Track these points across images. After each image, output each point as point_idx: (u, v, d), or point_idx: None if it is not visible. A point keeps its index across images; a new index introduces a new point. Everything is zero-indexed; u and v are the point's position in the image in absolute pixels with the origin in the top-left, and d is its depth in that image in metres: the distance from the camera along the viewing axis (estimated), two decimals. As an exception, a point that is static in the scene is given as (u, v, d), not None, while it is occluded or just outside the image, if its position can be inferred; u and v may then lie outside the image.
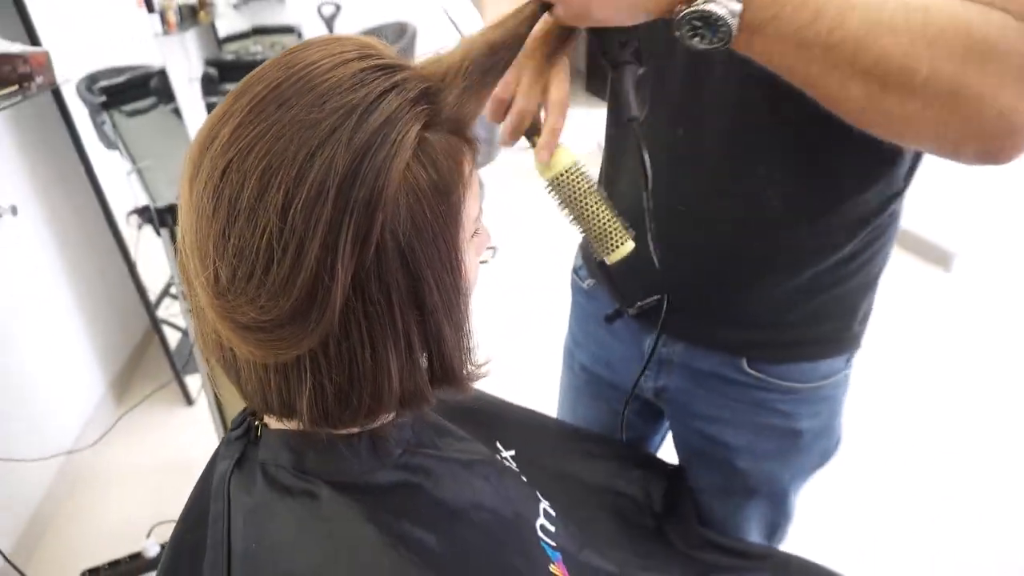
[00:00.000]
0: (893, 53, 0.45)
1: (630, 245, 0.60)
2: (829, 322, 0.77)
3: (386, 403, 0.46)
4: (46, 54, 1.68)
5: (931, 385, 2.34)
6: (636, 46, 0.56)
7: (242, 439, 0.54)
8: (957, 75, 0.44)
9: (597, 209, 0.59)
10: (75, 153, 1.92)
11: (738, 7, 0.46)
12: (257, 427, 0.53)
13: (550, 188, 0.61)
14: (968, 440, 2.08)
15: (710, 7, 0.45)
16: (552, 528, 0.64)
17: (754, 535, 0.92)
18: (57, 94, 1.82)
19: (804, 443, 0.83)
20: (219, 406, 1.60)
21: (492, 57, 0.47)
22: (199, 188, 0.41)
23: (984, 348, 2.54)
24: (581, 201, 0.60)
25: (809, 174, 0.68)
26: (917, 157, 0.70)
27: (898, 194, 0.72)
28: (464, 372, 0.50)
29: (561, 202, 0.61)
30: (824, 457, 0.87)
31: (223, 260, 0.40)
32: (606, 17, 0.51)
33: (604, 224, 0.59)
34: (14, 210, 1.75)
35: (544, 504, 0.66)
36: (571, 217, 0.61)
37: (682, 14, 0.47)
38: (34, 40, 1.76)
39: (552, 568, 0.59)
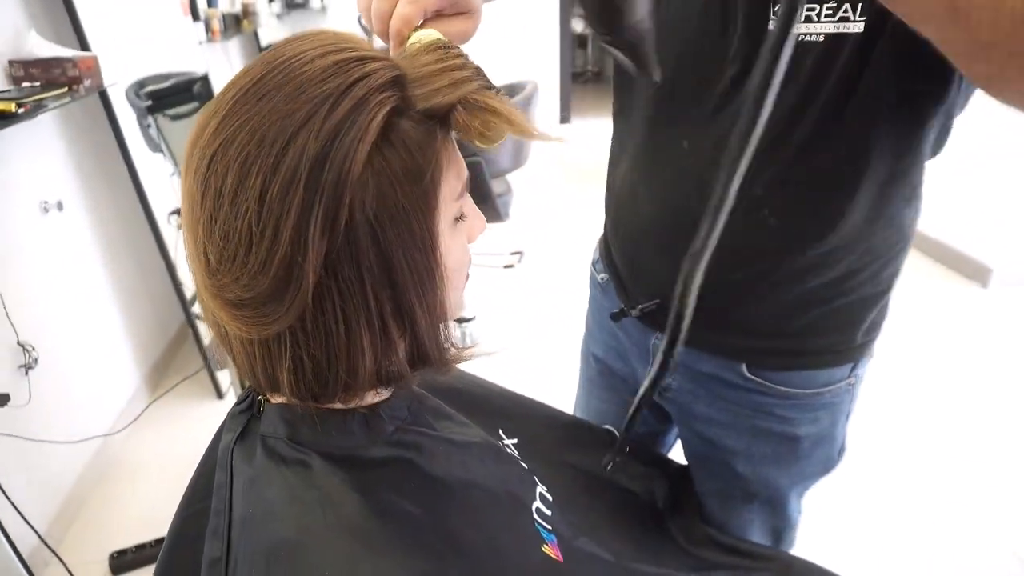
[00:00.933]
0: None
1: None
2: (831, 334, 0.77)
3: (362, 379, 0.48)
4: (94, 58, 1.76)
5: (965, 402, 2.28)
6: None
7: (245, 413, 0.57)
8: None
9: None
10: (119, 153, 2.01)
11: None
12: (260, 402, 0.56)
13: None
14: (1003, 459, 2.03)
15: None
16: (548, 512, 0.65)
17: (757, 540, 0.91)
18: (104, 96, 1.91)
19: (803, 449, 0.83)
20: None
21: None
22: (190, 176, 0.44)
23: (1021, 364, 2.48)
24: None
25: (806, 199, 0.69)
26: (919, 178, 0.70)
27: (904, 211, 0.71)
28: (440, 352, 0.52)
29: None
30: (827, 465, 0.87)
31: (211, 243, 0.43)
32: None
33: None
34: (60, 206, 1.84)
35: (541, 488, 0.67)
36: None
37: None
38: (84, 45, 1.85)
39: (545, 548, 0.60)
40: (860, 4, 0.59)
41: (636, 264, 0.85)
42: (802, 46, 0.61)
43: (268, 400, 0.55)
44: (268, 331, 0.45)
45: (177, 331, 2.59)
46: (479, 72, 0.48)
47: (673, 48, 0.70)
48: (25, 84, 1.65)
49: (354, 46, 0.45)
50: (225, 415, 0.60)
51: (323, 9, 4.84)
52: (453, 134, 0.48)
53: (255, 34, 3.82)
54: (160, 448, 2.12)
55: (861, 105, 0.63)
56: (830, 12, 0.60)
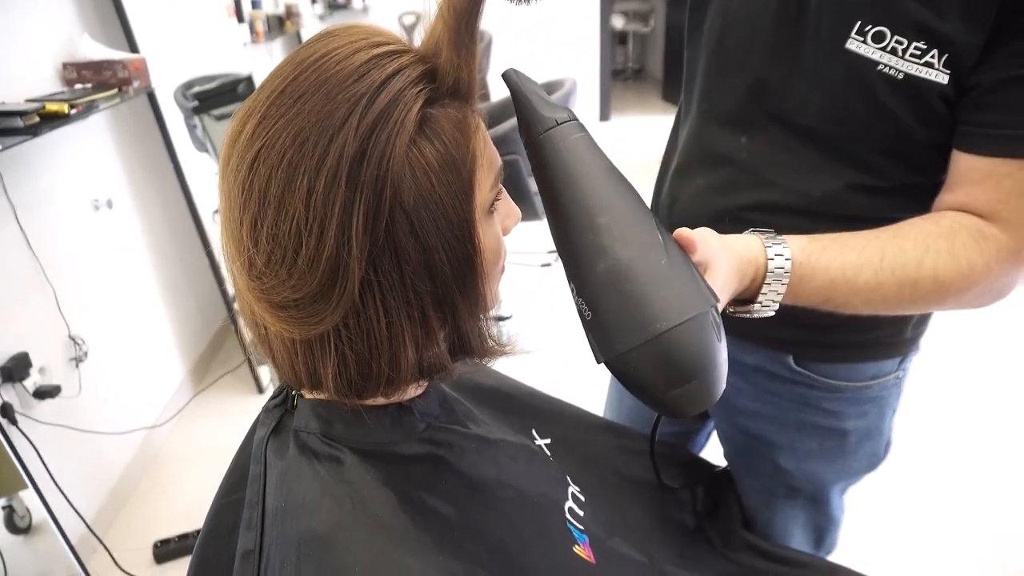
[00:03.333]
0: (890, 299, 0.62)
1: None
2: (882, 327, 0.75)
3: (404, 372, 0.48)
4: (143, 60, 1.82)
5: (1012, 399, 2.19)
6: None
7: (280, 407, 0.57)
8: (953, 303, 0.63)
9: None
10: (166, 153, 2.07)
11: (776, 306, 0.62)
12: (293, 397, 0.56)
13: None
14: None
15: (758, 307, 0.62)
16: (580, 512, 0.64)
17: (799, 540, 0.89)
18: (152, 98, 1.96)
19: (850, 444, 0.81)
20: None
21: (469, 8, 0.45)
22: (229, 179, 0.44)
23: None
24: None
25: (861, 186, 0.68)
26: None
27: None
28: (481, 343, 0.52)
29: None
30: (873, 461, 0.85)
31: (257, 247, 0.43)
32: None
33: None
34: (110, 203, 1.90)
35: (574, 488, 0.66)
36: None
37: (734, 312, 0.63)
38: (133, 47, 1.91)
39: (576, 549, 0.59)
40: (947, 56, 0.57)
41: None
42: (881, 76, 0.60)
43: (302, 396, 0.55)
44: (315, 330, 0.45)
45: (220, 326, 2.65)
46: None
47: (741, 43, 0.71)
48: (77, 86, 1.70)
49: (383, 39, 0.45)
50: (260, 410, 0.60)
51: (365, 9, 4.90)
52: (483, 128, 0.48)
53: (298, 35, 3.88)
54: (202, 441, 2.17)
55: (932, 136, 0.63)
56: (917, 54, 0.58)
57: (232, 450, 0.62)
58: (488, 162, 0.48)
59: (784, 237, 0.61)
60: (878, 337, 0.76)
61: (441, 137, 0.44)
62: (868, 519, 1.74)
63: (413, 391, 0.55)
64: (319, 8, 4.49)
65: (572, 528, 0.62)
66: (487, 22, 4.17)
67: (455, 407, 0.62)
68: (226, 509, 0.58)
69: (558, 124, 0.51)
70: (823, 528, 0.90)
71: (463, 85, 0.45)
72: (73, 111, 1.48)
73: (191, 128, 2.36)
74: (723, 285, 0.55)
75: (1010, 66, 0.56)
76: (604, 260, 0.48)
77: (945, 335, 2.19)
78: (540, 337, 2.56)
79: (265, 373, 2.39)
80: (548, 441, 0.74)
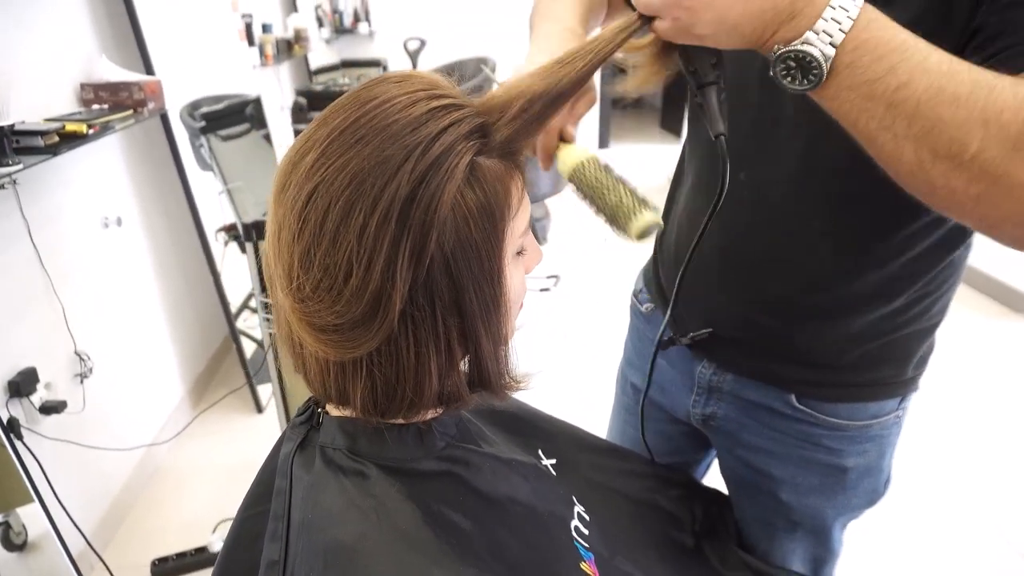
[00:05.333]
0: (948, 123, 0.46)
1: (649, 216, 0.58)
2: (883, 367, 0.78)
3: (426, 398, 0.51)
4: (158, 83, 1.86)
5: (1009, 435, 2.22)
6: (723, 66, 0.57)
7: (305, 424, 0.60)
8: (1004, 160, 0.45)
9: (614, 188, 0.59)
10: (175, 172, 2.10)
11: (831, 51, 0.47)
12: (319, 414, 0.59)
13: (572, 186, 0.62)
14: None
15: (806, 48, 0.47)
16: (586, 531, 0.67)
17: (798, 569, 0.91)
18: (164, 118, 2.00)
19: (850, 481, 0.83)
20: (287, 414, 1.69)
21: (553, 99, 0.52)
22: (286, 207, 0.47)
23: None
24: (595, 187, 0.59)
25: (863, 232, 0.70)
26: None
27: (957, 247, 0.72)
28: (499, 378, 0.55)
29: (581, 196, 0.61)
30: (872, 497, 0.86)
31: (308, 274, 0.46)
32: (706, 35, 0.52)
33: (622, 200, 0.58)
34: (119, 221, 1.93)
35: (579, 508, 0.69)
36: (593, 209, 0.61)
37: (779, 52, 0.49)
38: (149, 69, 1.95)
39: (583, 566, 0.62)
40: None
41: (690, 293, 0.86)
42: None
43: (327, 413, 0.58)
44: (352, 354, 0.48)
45: (220, 345, 2.67)
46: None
47: (737, 77, 0.72)
48: (95, 106, 1.74)
49: (442, 92, 0.49)
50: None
51: (370, 35, 4.99)
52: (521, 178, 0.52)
53: (305, 59, 3.95)
54: (202, 459, 2.17)
55: None
56: None
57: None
58: (523, 212, 0.52)
59: None
60: (881, 376, 0.78)
61: (483, 186, 0.47)
62: (864, 550, 1.76)
63: (431, 415, 0.58)
64: (326, 32, 4.57)
65: (579, 546, 0.64)
66: (490, 48, 4.25)
67: (469, 427, 0.65)
68: (250, 521, 0.61)
69: None
70: (822, 560, 0.92)
71: (513, 146, 0.50)
72: (91, 131, 1.52)
73: (196, 147, 2.40)
74: None
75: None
76: None
77: (942, 374, 2.23)
78: (540, 360, 2.58)
79: (265, 393, 2.41)
80: (553, 461, 0.77)
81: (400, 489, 0.53)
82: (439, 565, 0.49)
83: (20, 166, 1.31)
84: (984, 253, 3.06)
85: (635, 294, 1.01)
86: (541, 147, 0.66)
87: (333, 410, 0.58)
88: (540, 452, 0.76)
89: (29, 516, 1.47)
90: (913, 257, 0.70)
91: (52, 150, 1.39)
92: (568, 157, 0.62)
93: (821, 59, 0.47)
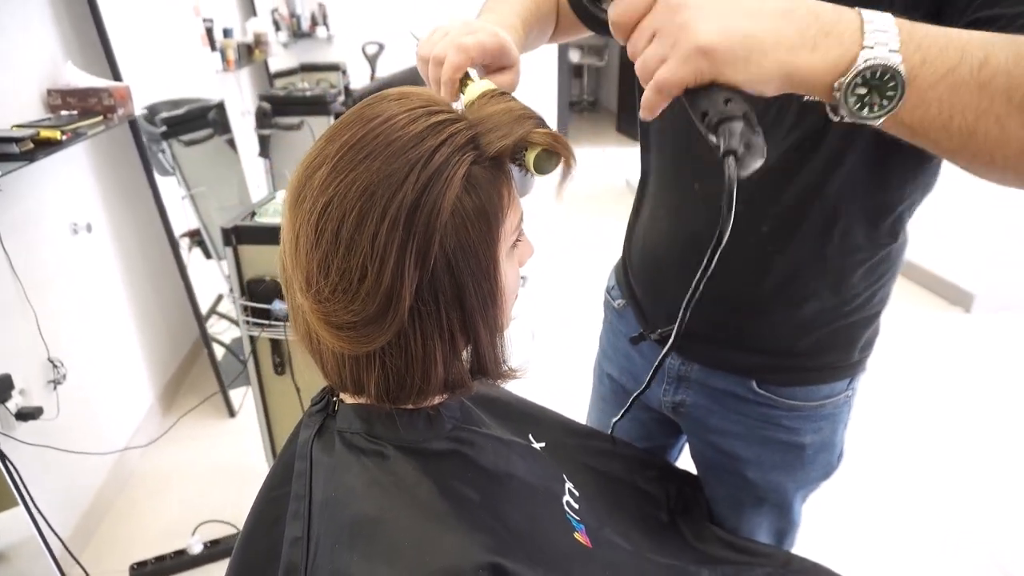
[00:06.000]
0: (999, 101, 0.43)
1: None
2: (831, 352, 0.86)
3: (433, 385, 0.57)
4: (127, 88, 1.86)
5: (948, 419, 2.39)
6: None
7: (321, 412, 0.65)
8: None
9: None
10: (143, 177, 2.10)
11: (898, 58, 0.43)
12: (334, 403, 0.64)
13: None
14: (983, 473, 2.14)
15: (876, 62, 0.42)
16: (576, 506, 0.73)
17: (763, 540, 0.99)
18: (133, 124, 2.00)
19: (807, 456, 0.91)
20: (267, 416, 1.72)
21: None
22: (303, 217, 0.52)
23: (1001, 387, 2.61)
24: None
25: (808, 234, 0.77)
26: (909, 215, 0.78)
27: (895, 240, 0.79)
28: (497, 365, 0.61)
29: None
30: (827, 470, 0.95)
31: (326, 279, 0.52)
32: (742, 82, 0.45)
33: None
34: (89, 228, 1.92)
35: (569, 484, 0.76)
36: None
37: (847, 82, 0.43)
38: (116, 75, 1.95)
39: (576, 535, 0.68)
40: None
41: (655, 292, 0.94)
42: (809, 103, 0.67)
43: (342, 401, 0.63)
44: (367, 348, 0.54)
45: (189, 350, 2.66)
46: (531, 113, 0.57)
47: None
48: (63, 112, 1.74)
49: (438, 107, 0.54)
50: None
51: (329, 39, 4.99)
52: (515, 176, 0.58)
53: (265, 64, 3.93)
54: (176, 464, 2.17)
55: (850, 166, 0.71)
56: None
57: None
58: (515, 210, 0.58)
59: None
60: (830, 361, 0.86)
61: (479, 192, 0.53)
62: (822, 520, 1.88)
63: (438, 400, 0.64)
64: (283, 36, 4.54)
65: (571, 518, 0.71)
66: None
67: (471, 411, 0.71)
68: (269, 505, 0.65)
69: None
70: (784, 531, 1.00)
71: (504, 155, 0.55)
72: (64, 137, 1.52)
73: (154, 153, 2.39)
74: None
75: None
76: None
77: (887, 363, 2.38)
78: (523, 352, 2.65)
79: (236, 398, 2.41)
80: (543, 445, 0.83)
81: (416, 467, 0.58)
82: (454, 531, 0.55)
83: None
84: (926, 251, 3.26)
85: (608, 291, 1.08)
86: (446, 82, 0.65)
87: (347, 398, 0.63)
88: (530, 436, 0.82)
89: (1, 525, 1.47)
90: (854, 253, 0.78)
91: (28, 156, 1.39)
92: (472, 90, 0.63)
93: (896, 67, 0.42)
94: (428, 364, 0.56)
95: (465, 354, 0.60)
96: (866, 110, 0.44)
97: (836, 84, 0.44)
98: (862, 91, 0.43)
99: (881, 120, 0.44)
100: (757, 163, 0.45)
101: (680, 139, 0.83)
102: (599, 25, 0.55)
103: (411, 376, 0.56)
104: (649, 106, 0.49)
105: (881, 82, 0.43)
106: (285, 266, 0.57)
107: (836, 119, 0.46)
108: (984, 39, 0.44)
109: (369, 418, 0.61)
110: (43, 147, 1.46)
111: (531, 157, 0.57)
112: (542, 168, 0.58)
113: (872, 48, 0.42)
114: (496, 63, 0.70)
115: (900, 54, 0.43)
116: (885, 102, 0.43)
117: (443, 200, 0.51)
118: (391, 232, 0.50)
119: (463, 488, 0.60)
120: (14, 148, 1.37)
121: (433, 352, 0.55)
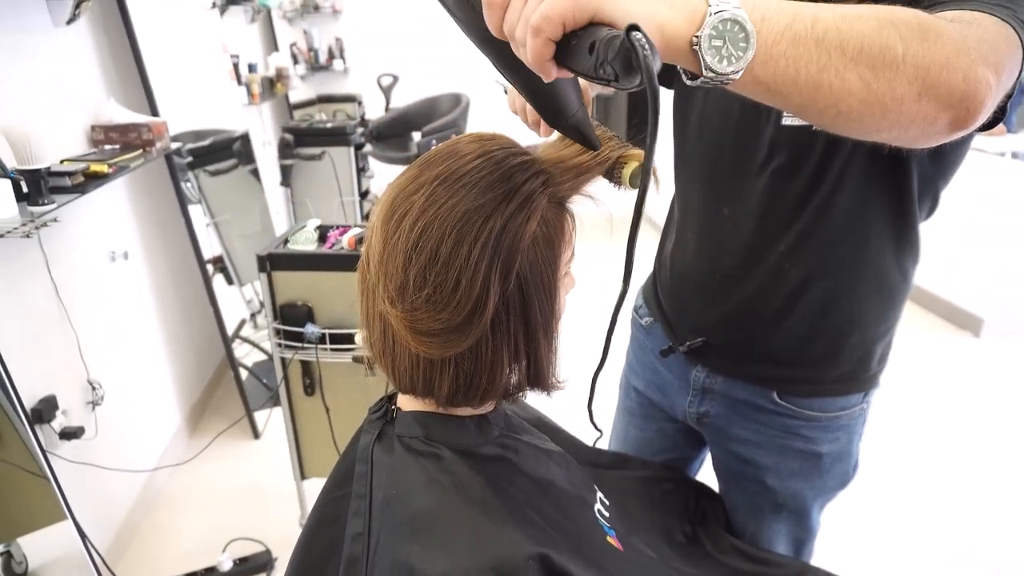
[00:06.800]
0: (869, 34, 0.47)
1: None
2: (848, 365, 0.92)
3: (498, 386, 0.64)
4: (165, 124, 1.96)
5: (956, 440, 2.44)
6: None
7: (381, 419, 0.72)
8: (923, 49, 0.48)
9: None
10: (177, 207, 2.19)
11: (743, 13, 0.45)
12: (393, 410, 0.71)
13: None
14: (987, 490, 2.17)
15: (728, 12, 0.45)
16: (607, 513, 0.79)
17: (781, 549, 1.04)
18: (168, 157, 2.10)
19: (824, 464, 0.97)
20: (296, 437, 1.78)
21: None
22: (402, 235, 0.59)
23: (1010, 411, 2.64)
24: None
25: (820, 256, 0.85)
26: (915, 234, 0.86)
27: (907, 260, 0.87)
28: (550, 377, 0.68)
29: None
30: (844, 479, 1.00)
31: (422, 290, 0.59)
32: (619, 19, 0.45)
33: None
34: (126, 255, 2.00)
35: (599, 494, 0.82)
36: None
37: (706, 31, 0.45)
38: (154, 111, 2.05)
39: (609, 539, 0.74)
40: None
41: (683, 309, 1.01)
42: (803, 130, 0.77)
43: (400, 409, 0.70)
44: (450, 352, 0.61)
45: (213, 373, 2.73)
46: (600, 160, 0.66)
47: (718, 134, 0.88)
48: (106, 147, 1.83)
49: (519, 150, 0.63)
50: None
51: (345, 71, 5.13)
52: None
53: (286, 97, 4.06)
54: (202, 483, 2.23)
55: (855, 185, 0.80)
56: None
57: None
58: (572, 244, 0.66)
59: None
60: (846, 373, 0.92)
61: (549, 223, 0.62)
62: (840, 530, 1.93)
63: (489, 408, 0.71)
64: (301, 69, 4.69)
65: (603, 524, 0.77)
66: (461, 85, 4.37)
67: (512, 420, 0.77)
68: (331, 504, 0.71)
69: None
70: (802, 540, 1.05)
71: (567, 197, 0.64)
72: (110, 171, 1.61)
73: (182, 181, 2.47)
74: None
75: None
76: None
77: (897, 386, 2.44)
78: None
79: (261, 420, 2.47)
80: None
81: (469, 467, 0.65)
82: (506, 525, 0.61)
83: (55, 205, 1.40)
84: (935, 276, 3.32)
85: (635, 309, 1.15)
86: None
87: (406, 405, 0.70)
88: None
89: (30, 545, 1.52)
90: (867, 267, 0.85)
91: (79, 189, 1.48)
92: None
93: (743, 20, 0.45)
94: (496, 370, 0.63)
95: (524, 364, 0.66)
96: (724, 63, 0.46)
97: (694, 39, 0.45)
98: (718, 43, 0.45)
99: (740, 74, 0.46)
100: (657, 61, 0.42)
101: (708, 165, 0.92)
102: (471, 25, 0.54)
103: (478, 379, 0.63)
104: (537, 54, 0.46)
105: (732, 33, 0.45)
106: (366, 276, 0.64)
107: (696, 84, 0.48)
108: (810, 4, 0.48)
109: (426, 423, 0.68)
110: (92, 180, 1.55)
111: (627, 174, 0.66)
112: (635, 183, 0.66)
113: (717, 5, 0.45)
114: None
115: (743, 11, 0.45)
116: (740, 52, 0.46)
117: (525, 228, 0.59)
118: (483, 252, 0.57)
119: (510, 488, 0.66)
120: (67, 181, 1.46)
121: (501, 359, 0.63)
